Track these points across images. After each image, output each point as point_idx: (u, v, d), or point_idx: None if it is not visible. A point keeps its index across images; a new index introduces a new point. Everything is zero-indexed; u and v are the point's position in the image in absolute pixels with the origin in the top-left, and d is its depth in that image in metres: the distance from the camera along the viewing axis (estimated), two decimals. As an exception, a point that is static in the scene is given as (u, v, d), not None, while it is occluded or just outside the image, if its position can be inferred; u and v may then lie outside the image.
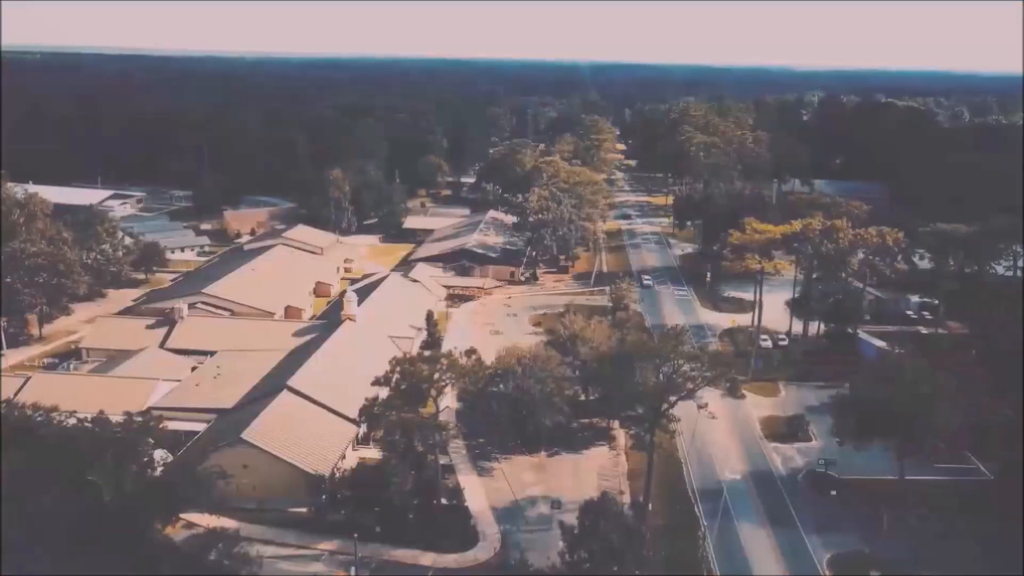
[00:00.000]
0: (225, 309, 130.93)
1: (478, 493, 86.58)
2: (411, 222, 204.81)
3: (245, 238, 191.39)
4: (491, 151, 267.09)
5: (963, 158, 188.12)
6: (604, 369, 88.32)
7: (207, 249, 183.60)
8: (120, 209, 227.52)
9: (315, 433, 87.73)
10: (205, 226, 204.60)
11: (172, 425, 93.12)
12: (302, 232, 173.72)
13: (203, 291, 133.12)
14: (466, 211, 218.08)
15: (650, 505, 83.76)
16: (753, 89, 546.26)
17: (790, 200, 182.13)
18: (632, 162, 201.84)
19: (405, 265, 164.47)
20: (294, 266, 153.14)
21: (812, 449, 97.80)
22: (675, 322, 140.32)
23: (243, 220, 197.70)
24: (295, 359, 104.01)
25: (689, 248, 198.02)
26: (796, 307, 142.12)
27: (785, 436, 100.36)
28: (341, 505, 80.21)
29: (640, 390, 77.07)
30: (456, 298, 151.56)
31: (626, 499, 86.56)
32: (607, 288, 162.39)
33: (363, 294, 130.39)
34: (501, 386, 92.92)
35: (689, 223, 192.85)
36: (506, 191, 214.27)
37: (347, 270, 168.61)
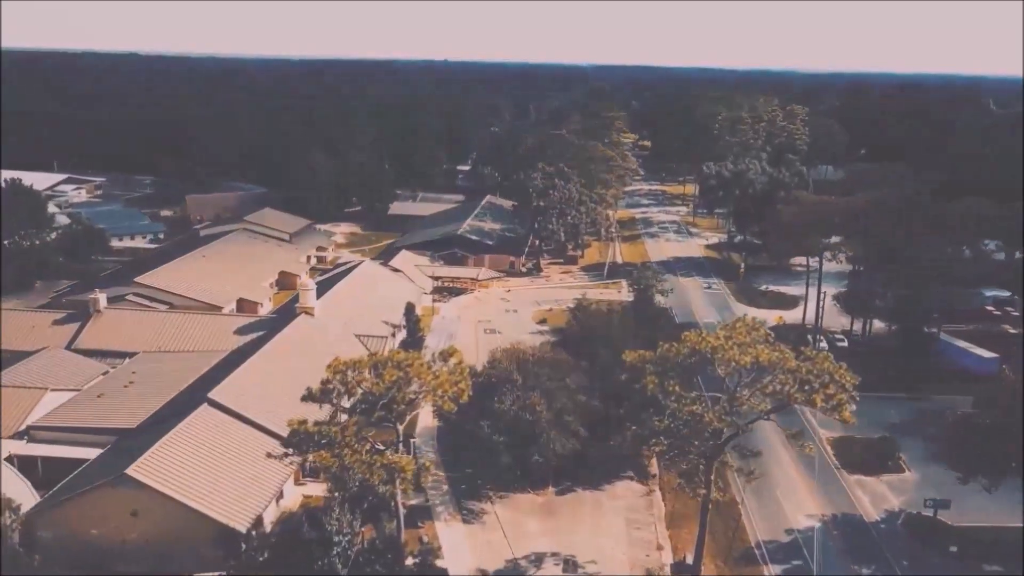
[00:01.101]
0: (162, 302, 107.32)
1: (461, 549, 62.59)
2: (397, 208, 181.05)
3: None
4: (490, 133, 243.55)
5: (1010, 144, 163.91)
6: (640, 380, 64.14)
7: (161, 236, 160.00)
8: (74, 195, 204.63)
9: (238, 465, 63.88)
10: (166, 213, 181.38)
11: (53, 451, 69.77)
12: (268, 217, 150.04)
13: (137, 280, 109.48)
14: (460, 198, 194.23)
15: (702, 567, 59.74)
16: (758, 91, 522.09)
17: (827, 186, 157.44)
18: (647, 143, 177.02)
19: (387, 253, 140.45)
20: (253, 254, 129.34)
21: (907, 483, 73.86)
22: (709, 319, 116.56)
23: (207, 206, 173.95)
24: (229, 363, 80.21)
25: (714, 237, 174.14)
26: (848, 302, 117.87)
27: (869, 466, 76.38)
28: (267, 569, 56.39)
29: (698, 414, 52.94)
30: (445, 291, 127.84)
31: (666, 557, 62.65)
32: (624, 281, 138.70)
33: (328, 285, 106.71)
34: (496, 400, 69.02)
35: (712, 212, 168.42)
36: (505, 176, 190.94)
37: (319, 259, 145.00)
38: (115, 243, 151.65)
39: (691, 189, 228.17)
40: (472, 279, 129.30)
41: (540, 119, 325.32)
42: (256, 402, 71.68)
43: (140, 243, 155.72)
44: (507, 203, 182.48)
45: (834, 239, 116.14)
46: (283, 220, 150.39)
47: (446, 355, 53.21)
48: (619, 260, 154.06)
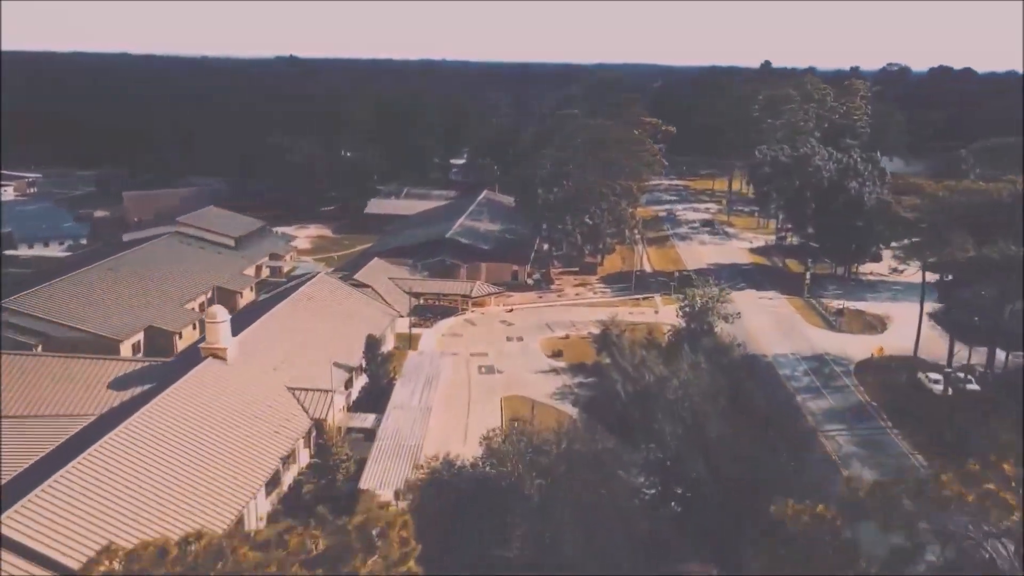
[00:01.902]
0: (37, 334, 78.10)
1: None
2: (376, 206, 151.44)
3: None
4: (489, 124, 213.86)
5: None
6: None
7: (83, 242, 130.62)
8: (3, 193, 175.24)
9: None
10: (101, 213, 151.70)
11: None
12: (211, 217, 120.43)
13: (6, 305, 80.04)
14: (452, 194, 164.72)
15: None
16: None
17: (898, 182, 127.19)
18: (671, 128, 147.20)
19: (355, 263, 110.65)
20: (179, 266, 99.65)
21: None
22: (781, 350, 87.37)
23: (147, 204, 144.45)
24: (74, 445, 50.59)
25: (758, 239, 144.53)
26: (954, 323, 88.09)
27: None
28: None
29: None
30: (429, 312, 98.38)
31: None
32: (658, 296, 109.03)
33: (263, 309, 77.20)
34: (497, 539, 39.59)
35: (762, 209, 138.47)
36: (506, 169, 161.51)
37: (274, 270, 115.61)
38: (24, 250, 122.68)
39: (721, 184, 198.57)
40: (464, 295, 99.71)
41: (544, 111, 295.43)
42: (96, 523, 42.25)
43: (55, 251, 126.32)
44: (508, 200, 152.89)
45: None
46: (230, 221, 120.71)
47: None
48: (647, 268, 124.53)
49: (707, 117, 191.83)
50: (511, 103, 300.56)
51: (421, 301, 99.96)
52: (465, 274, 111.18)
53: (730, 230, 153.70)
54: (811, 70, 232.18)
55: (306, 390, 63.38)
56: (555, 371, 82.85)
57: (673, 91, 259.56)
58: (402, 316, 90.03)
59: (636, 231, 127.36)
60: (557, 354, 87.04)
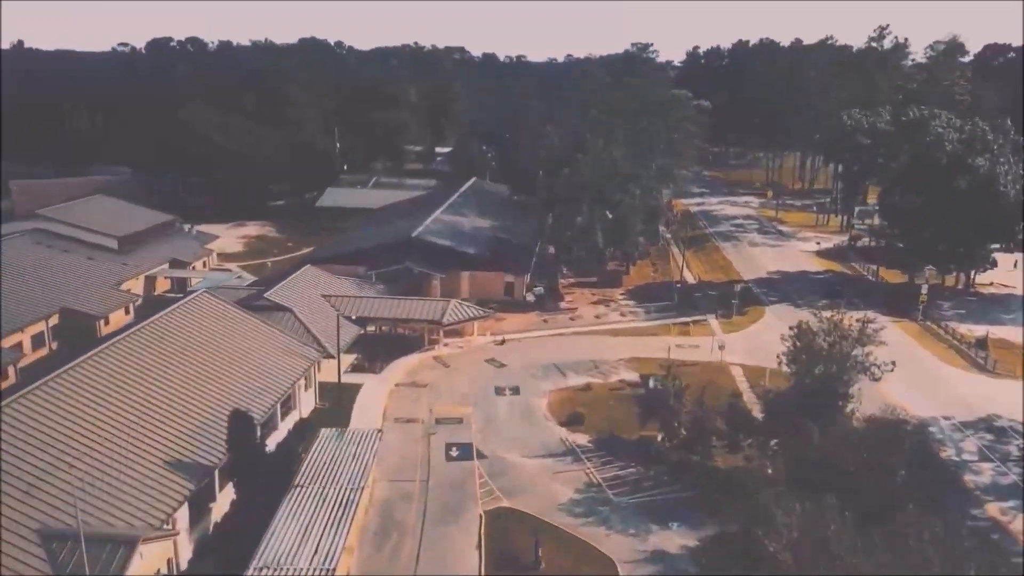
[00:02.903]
0: None
1: None
2: (332, 198, 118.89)
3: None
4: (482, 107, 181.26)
5: None
6: None
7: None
8: None
9: None
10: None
11: None
12: (89, 210, 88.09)
13: None
14: (432, 183, 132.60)
15: None
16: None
17: None
18: (706, 103, 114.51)
19: (292, 271, 77.77)
20: (16, 280, 67.15)
21: None
22: (922, 408, 55.00)
23: (37, 194, 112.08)
24: None
25: (825, 239, 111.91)
26: None
27: None
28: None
29: None
30: (381, 346, 66.16)
31: None
32: (711, 317, 76.93)
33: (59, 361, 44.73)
34: None
35: (848, 202, 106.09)
36: (503, 154, 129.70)
37: (179, 281, 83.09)
38: None
39: (759, 175, 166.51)
40: (433, 321, 66.95)
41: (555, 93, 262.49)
42: None
43: None
44: (503, 190, 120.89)
45: None
46: (118, 215, 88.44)
47: None
48: (690, 279, 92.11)
49: (745, 96, 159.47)
50: (511, 89, 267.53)
51: (372, 329, 67.75)
52: (439, 288, 78.88)
53: (783, 228, 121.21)
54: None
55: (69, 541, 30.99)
56: (573, 454, 50.50)
57: (694, 73, 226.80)
58: (332, 356, 57.55)
59: (673, 228, 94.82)
60: (574, 420, 54.62)
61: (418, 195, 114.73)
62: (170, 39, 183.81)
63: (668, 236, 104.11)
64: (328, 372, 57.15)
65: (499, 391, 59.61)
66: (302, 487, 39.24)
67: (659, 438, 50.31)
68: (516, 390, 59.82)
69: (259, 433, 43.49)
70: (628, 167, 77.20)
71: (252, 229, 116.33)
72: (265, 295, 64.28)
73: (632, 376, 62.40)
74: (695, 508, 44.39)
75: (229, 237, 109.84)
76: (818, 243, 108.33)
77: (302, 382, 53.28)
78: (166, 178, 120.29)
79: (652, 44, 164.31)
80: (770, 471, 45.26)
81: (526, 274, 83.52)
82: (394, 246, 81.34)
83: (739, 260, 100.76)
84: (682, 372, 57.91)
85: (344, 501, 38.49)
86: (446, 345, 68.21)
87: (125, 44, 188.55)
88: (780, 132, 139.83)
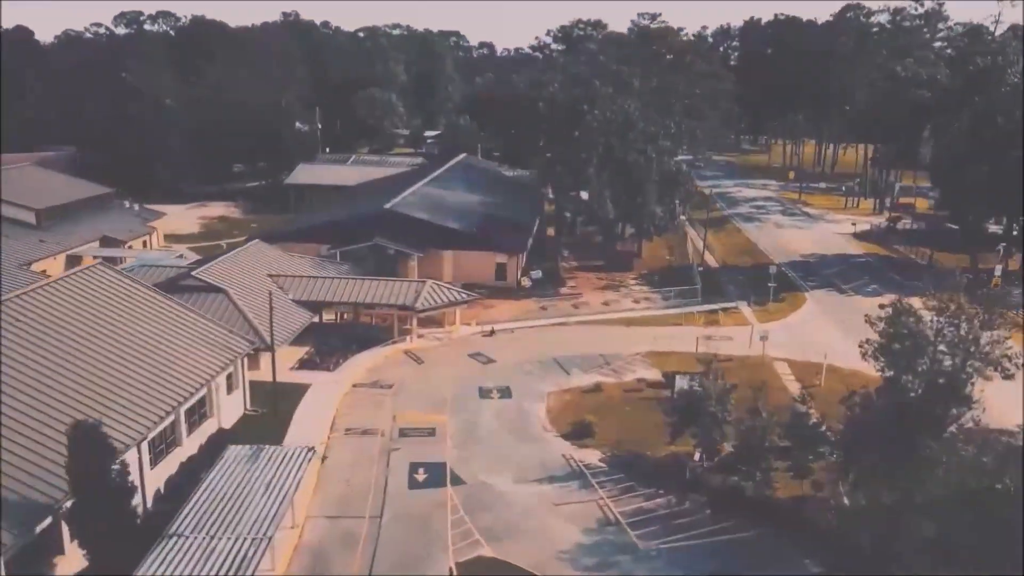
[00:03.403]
0: None
1: None
2: (303, 175, 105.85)
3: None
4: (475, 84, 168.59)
5: None
6: None
7: None
8: None
9: None
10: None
11: None
12: (9, 181, 74.91)
13: None
14: (419, 161, 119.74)
15: None
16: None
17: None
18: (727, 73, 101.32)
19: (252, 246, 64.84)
20: None
21: None
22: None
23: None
24: None
25: (856, 220, 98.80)
26: None
27: None
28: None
29: None
30: (334, 339, 53.36)
31: None
32: (746, 306, 64.06)
33: None
34: None
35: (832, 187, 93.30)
36: (499, 129, 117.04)
37: (112, 261, 69.89)
38: None
39: (775, 159, 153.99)
40: (403, 307, 53.90)
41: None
42: None
43: None
44: (498, 168, 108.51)
45: None
46: (43, 186, 75.47)
47: None
48: (711, 261, 79.20)
49: (760, 79, 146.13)
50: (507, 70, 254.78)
51: (332, 318, 55.09)
52: (416, 270, 66.11)
53: (810, 210, 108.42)
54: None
55: None
56: (581, 478, 37.69)
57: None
58: (266, 349, 44.70)
59: (688, 203, 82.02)
60: (581, 431, 41.81)
61: (401, 171, 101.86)
62: (140, 14, 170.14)
63: (683, 217, 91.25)
64: (272, 369, 44.31)
65: (485, 393, 46.83)
66: (178, 537, 26.38)
67: (696, 456, 37.61)
68: (506, 392, 47.05)
69: (138, 453, 30.74)
70: (645, 124, 64.32)
71: (215, 210, 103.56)
72: (194, 273, 51.52)
73: (653, 374, 49.67)
74: (753, 557, 31.67)
75: (187, 217, 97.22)
76: (854, 224, 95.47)
77: (222, 381, 40.47)
78: (117, 155, 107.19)
79: (660, 14, 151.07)
80: (847, 501, 32.66)
81: (521, 254, 70.73)
82: (363, 220, 68.46)
83: (766, 242, 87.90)
84: (723, 364, 45.41)
85: (241, 558, 25.68)
86: (420, 336, 55.41)
87: (99, 24, 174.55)
88: (800, 115, 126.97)
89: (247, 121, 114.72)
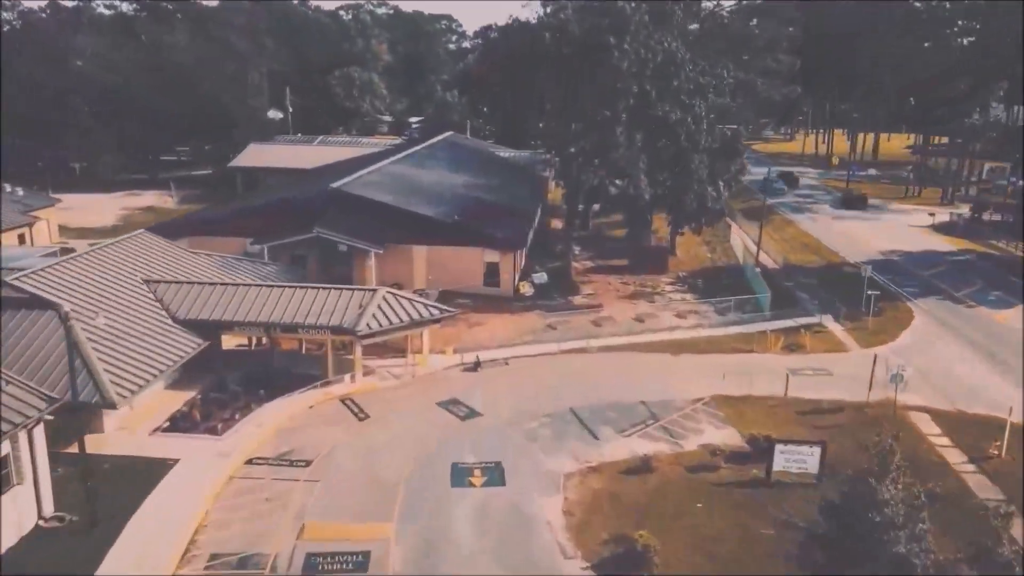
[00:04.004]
0: None
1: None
2: (254, 156, 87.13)
3: None
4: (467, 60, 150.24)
5: None
6: None
7: None
8: None
9: None
10: None
11: None
12: None
13: None
14: (397, 141, 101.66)
15: None
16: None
17: None
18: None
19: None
20: None
21: None
22: None
23: None
24: None
25: (939, 212, 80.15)
26: None
27: None
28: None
29: None
30: (234, 377, 35.01)
31: None
32: (829, 317, 45.09)
33: None
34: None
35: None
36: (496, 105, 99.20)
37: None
38: None
39: (800, 145, 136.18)
40: (341, 330, 35.45)
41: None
42: None
43: None
44: (492, 147, 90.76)
45: None
46: None
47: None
48: (767, 261, 60.63)
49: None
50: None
51: (243, 344, 36.86)
52: (373, 270, 47.80)
53: (873, 199, 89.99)
54: None
55: None
56: None
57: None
58: (106, 404, 26.41)
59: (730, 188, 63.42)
60: (627, 558, 23.39)
61: (374, 151, 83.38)
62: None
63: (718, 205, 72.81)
64: (129, 433, 25.99)
65: (461, 476, 28.56)
66: None
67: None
68: (496, 473, 28.80)
69: None
70: (694, 69, 46.21)
71: (146, 199, 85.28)
72: (11, 280, 33.19)
73: (728, 437, 31.43)
74: None
75: (108, 208, 79.12)
76: (932, 215, 77.22)
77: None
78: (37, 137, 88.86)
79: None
80: None
81: (520, 251, 52.44)
82: (302, 205, 50.13)
83: (828, 237, 69.55)
84: (826, 425, 27.70)
85: None
86: (369, 374, 37.10)
87: None
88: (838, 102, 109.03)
89: (200, 100, 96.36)
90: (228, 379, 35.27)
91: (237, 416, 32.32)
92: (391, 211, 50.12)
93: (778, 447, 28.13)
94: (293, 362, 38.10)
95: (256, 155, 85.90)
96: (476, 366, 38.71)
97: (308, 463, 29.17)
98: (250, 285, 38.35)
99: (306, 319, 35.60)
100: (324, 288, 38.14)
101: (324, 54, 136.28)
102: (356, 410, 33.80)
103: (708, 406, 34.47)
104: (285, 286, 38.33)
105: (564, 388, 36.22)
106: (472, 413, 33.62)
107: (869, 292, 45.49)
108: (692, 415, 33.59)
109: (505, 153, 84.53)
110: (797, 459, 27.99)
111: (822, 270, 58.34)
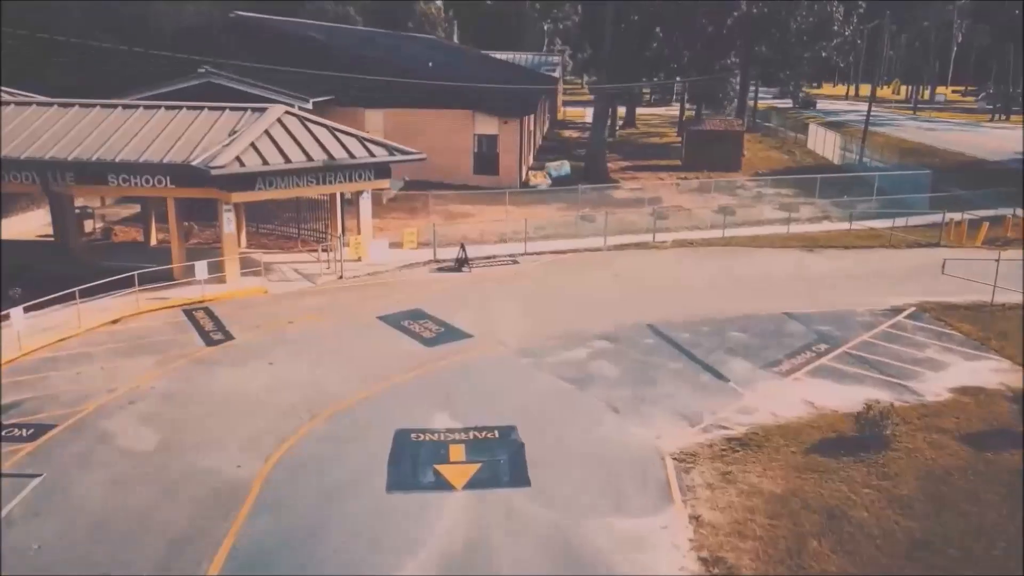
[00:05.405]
0: None
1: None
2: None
3: None
4: None
5: None
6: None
7: None
8: None
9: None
10: None
11: None
12: None
13: None
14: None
15: None
16: None
17: None
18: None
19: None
20: None
21: None
22: None
23: None
24: None
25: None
26: None
27: None
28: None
29: None
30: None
31: None
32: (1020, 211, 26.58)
33: None
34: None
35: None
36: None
37: None
38: None
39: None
40: (195, 186, 18.22)
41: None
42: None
43: None
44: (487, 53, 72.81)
45: None
46: None
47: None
48: (874, 163, 43.19)
49: None
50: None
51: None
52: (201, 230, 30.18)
53: (954, 121, 72.52)
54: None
55: None
56: None
57: None
58: None
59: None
60: None
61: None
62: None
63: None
64: None
65: (417, 460, 11.21)
66: None
67: None
68: (504, 455, 11.46)
69: None
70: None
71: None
72: None
73: (999, 371, 14.02)
74: None
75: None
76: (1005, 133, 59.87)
77: None
78: None
79: None
80: None
81: (529, 115, 34.91)
82: (185, 35, 32.20)
83: (937, 141, 52.16)
84: None
85: None
86: (254, 272, 19.64)
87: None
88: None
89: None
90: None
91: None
92: (331, 52, 32.49)
93: None
94: (134, 258, 20.57)
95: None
96: (461, 264, 21.33)
97: (31, 434, 11.84)
98: (34, 103, 20.73)
99: (119, 156, 18.09)
100: (183, 108, 20.50)
101: None
102: (211, 327, 16.40)
103: (921, 320, 17.20)
104: (115, 104, 20.68)
105: (628, 298, 18.91)
106: (450, 332, 16.29)
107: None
108: (901, 335, 16.28)
109: (502, 55, 66.75)
110: None
111: (952, 171, 41.09)
